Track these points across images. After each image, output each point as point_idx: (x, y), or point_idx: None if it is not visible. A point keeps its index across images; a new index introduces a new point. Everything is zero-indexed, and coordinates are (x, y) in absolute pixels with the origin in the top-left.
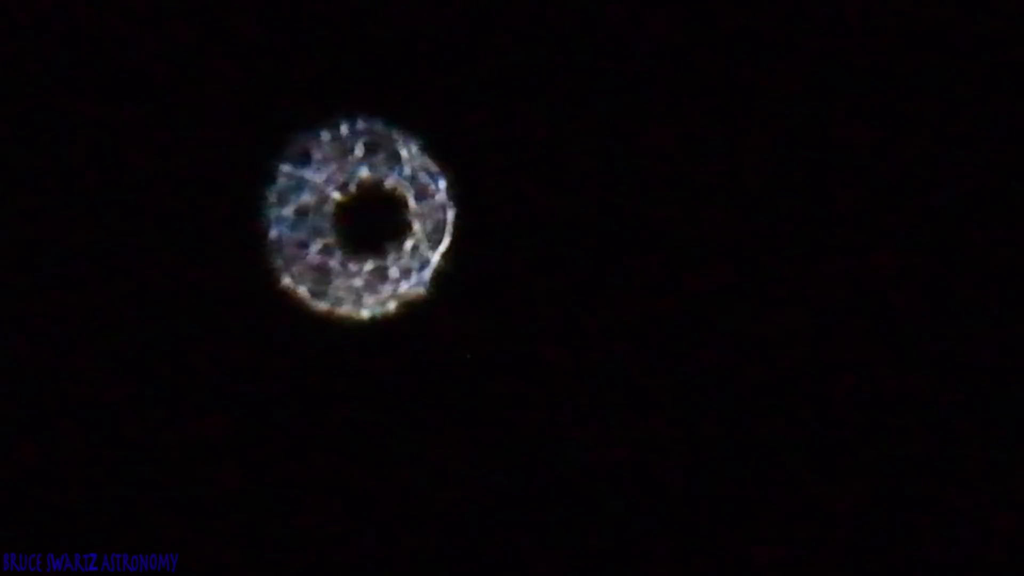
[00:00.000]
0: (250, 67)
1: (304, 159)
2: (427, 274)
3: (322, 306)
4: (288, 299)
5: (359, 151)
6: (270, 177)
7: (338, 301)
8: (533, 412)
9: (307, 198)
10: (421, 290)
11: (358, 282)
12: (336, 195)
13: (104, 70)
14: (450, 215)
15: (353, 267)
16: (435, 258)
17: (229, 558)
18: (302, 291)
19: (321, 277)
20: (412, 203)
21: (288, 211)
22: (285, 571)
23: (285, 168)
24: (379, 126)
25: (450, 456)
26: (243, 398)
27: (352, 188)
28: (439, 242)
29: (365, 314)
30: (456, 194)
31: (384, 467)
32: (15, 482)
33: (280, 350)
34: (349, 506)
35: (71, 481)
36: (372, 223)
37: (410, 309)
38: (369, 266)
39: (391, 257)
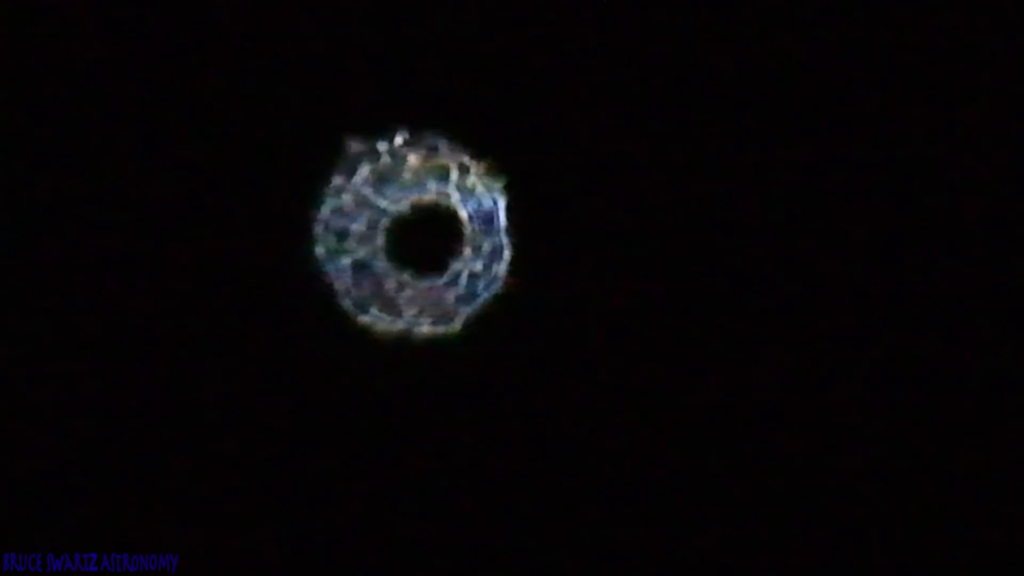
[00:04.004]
0: (306, 80)
1: (356, 173)
2: (487, 292)
3: (374, 323)
4: (339, 315)
5: (412, 165)
6: (321, 193)
7: (393, 320)
8: (601, 435)
9: (360, 214)
10: (480, 308)
11: (415, 300)
12: (392, 209)
13: (155, 86)
14: (506, 231)
15: (409, 284)
16: (494, 276)
17: (229, 558)
18: (354, 308)
19: (374, 294)
20: (469, 218)
21: (340, 227)
22: (285, 572)
23: (336, 183)
24: (435, 139)
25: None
26: (253, 403)
27: (407, 204)
28: (498, 259)
29: (423, 332)
30: (515, 209)
31: (396, 474)
32: (15, 482)
33: (323, 363)
34: (349, 507)
35: (71, 481)
36: (428, 240)
37: (470, 328)
38: (425, 284)
39: (448, 275)
